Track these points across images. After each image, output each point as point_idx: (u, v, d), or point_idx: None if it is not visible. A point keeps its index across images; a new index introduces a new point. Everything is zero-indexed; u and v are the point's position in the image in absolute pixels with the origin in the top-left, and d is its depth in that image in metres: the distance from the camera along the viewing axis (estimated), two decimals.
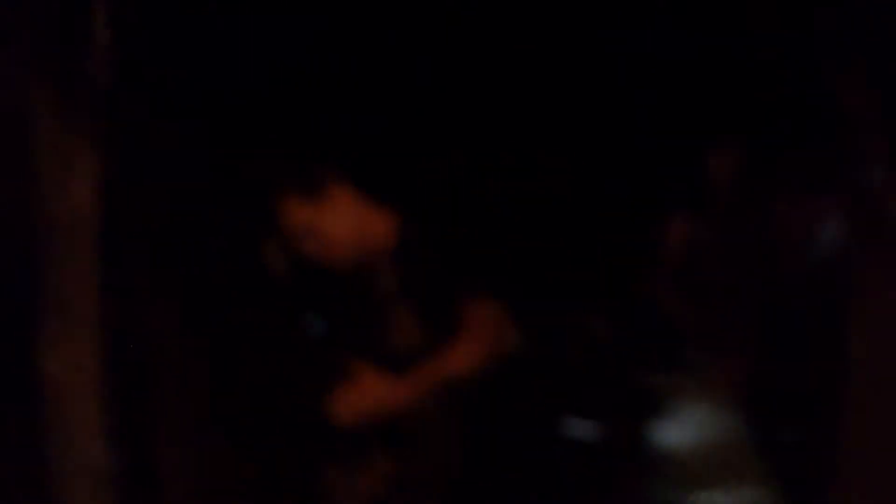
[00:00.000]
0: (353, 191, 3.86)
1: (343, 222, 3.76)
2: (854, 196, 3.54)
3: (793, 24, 4.14)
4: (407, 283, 3.70)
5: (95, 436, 4.77)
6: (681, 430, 5.38)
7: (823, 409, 3.88)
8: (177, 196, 4.49)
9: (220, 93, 4.39)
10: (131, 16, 4.39)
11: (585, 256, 4.77)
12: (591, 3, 4.70)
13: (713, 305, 4.51)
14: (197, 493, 4.42)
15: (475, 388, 3.72)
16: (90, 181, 4.95)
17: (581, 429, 4.57)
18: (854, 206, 3.58)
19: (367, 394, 3.51)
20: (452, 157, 4.19)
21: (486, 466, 3.66)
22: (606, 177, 5.08)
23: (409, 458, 3.63)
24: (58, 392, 4.79)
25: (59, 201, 5.01)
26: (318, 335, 3.72)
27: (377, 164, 3.96)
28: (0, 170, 4.97)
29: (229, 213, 4.28)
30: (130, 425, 4.70)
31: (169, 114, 4.48)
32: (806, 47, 3.94)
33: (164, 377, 4.55)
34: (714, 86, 4.90)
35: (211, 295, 4.36)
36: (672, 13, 4.77)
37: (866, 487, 3.51)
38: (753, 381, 4.73)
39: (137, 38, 4.39)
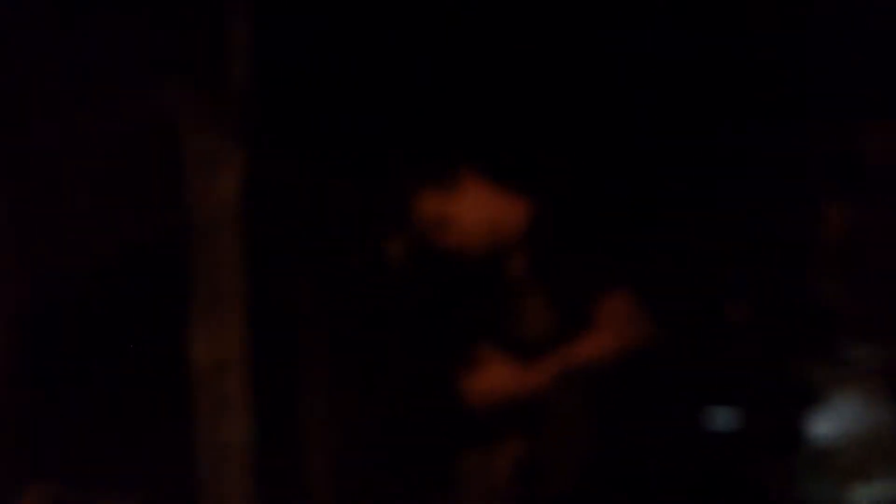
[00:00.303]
0: (485, 180, 3.82)
1: (475, 212, 3.73)
2: None
3: None
4: (539, 271, 3.64)
5: (241, 416, 4.94)
6: (836, 422, 5.18)
7: None
8: (314, 189, 4.57)
9: (353, 87, 4.45)
10: (269, 19, 4.50)
11: (738, 242, 4.61)
12: None
13: (871, 293, 4.31)
14: (337, 475, 4.50)
15: (613, 376, 3.65)
16: (235, 179, 5.12)
17: (727, 421, 4.43)
18: None
19: (497, 380, 3.48)
20: (586, 145, 4.13)
21: (622, 457, 3.58)
22: (759, 162, 4.91)
23: (541, 444, 3.59)
24: (207, 375, 4.98)
25: (207, 199, 5.20)
26: (451, 323, 3.71)
27: (510, 152, 3.92)
28: (152, 172, 5.20)
29: (365, 205, 4.32)
30: (275, 407, 4.82)
31: (305, 111, 4.57)
32: None
33: (308, 362, 4.65)
34: (866, 65, 4.68)
35: (348, 283, 4.43)
36: None
37: None
38: None
39: (275, 40, 4.49)
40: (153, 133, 4.99)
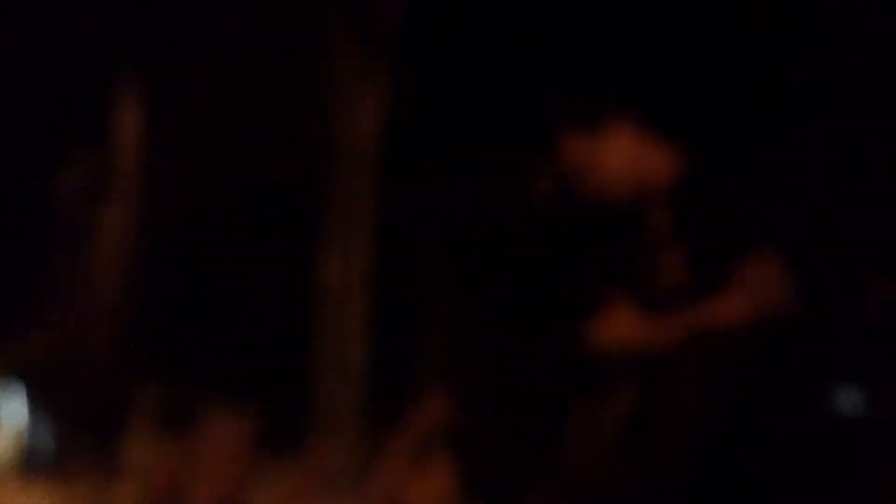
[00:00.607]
0: (634, 127, 3.80)
1: (621, 159, 3.71)
2: None
3: None
4: (682, 226, 3.62)
5: (361, 341, 5.04)
6: None
7: None
8: (454, 123, 4.56)
9: (505, 24, 4.40)
10: None
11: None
12: None
13: None
14: (451, 411, 4.54)
15: (743, 344, 3.62)
16: (378, 111, 5.19)
17: (854, 406, 4.30)
18: None
19: (626, 328, 3.49)
20: (744, 100, 4.02)
21: (737, 429, 3.55)
22: None
23: (656, 401, 3.58)
24: (331, 300, 5.08)
25: (348, 126, 5.29)
26: (586, 268, 3.73)
27: (665, 101, 3.87)
28: (295, 94, 5.29)
29: (506, 144, 4.31)
30: (395, 337, 4.88)
31: (455, 46, 4.55)
32: None
33: (432, 295, 4.69)
34: None
35: (478, 223, 4.43)
36: None
37: None
38: None
39: None
40: (302, 63, 5.07)
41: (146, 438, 5.87)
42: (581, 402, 3.74)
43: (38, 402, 6.49)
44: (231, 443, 5.54)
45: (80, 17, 5.51)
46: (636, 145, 3.56)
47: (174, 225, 5.51)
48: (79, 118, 5.60)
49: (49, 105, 5.62)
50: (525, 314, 4.10)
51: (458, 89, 4.70)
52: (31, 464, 6.65)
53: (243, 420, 5.40)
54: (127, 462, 5.91)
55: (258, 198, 5.29)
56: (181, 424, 5.62)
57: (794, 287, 3.59)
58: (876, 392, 4.06)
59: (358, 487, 4.92)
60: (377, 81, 4.93)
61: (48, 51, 5.55)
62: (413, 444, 4.61)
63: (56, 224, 5.85)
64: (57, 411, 6.37)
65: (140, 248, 5.62)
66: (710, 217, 3.46)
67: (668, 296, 3.55)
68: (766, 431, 3.60)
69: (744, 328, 3.50)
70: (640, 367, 3.56)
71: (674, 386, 3.53)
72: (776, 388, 3.69)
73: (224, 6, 5.36)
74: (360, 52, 4.86)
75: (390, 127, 5.00)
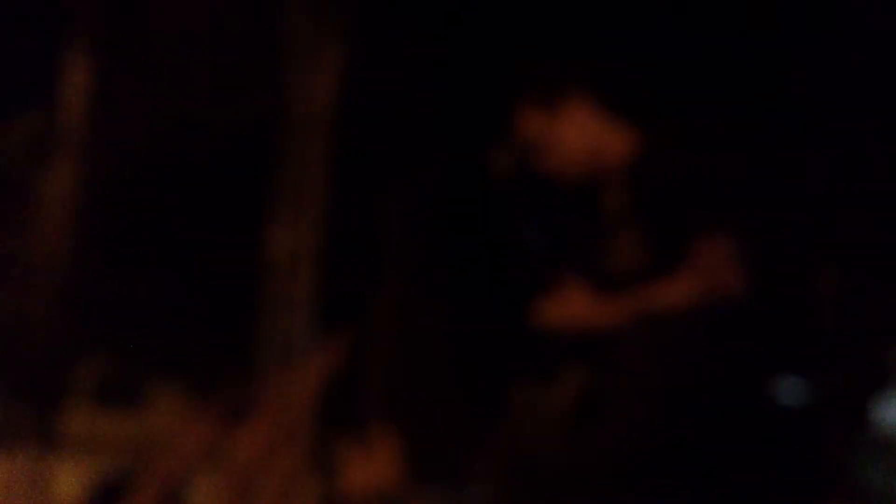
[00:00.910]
0: (592, 103, 3.66)
1: (578, 136, 3.56)
2: None
3: None
4: (636, 204, 3.49)
5: (307, 314, 4.90)
6: None
7: None
8: (413, 93, 4.46)
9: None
10: None
11: (845, 204, 4.41)
12: None
13: None
14: (397, 386, 4.44)
15: (692, 326, 3.49)
16: (334, 74, 5.06)
17: (797, 393, 4.26)
18: None
19: (575, 307, 3.34)
20: (699, 79, 3.97)
21: (684, 413, 3.42)
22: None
23: (605, 382, 3.45)
24: (276, 273, 4.94)
25: (302, 93, 5.16)
26: (539, 245, 3.60)
27: (622, 79, 3.78)
28: (249, 61, 5.14)
29: (463, 117, 4.22)
30: (339, 309, 4.76)
31: (409, 11, 4.44)
32: None
33: (381, 267, 4.58)
34: None
35: (436, 193, 4.33)
36: None
37: None
38: None
39: None
40: (258, 22, 4.93)
41: (87, 411, 5.74)
42: (529, 383, 3.61)
43: None
44: (175, 415, 5.42)
45: None
46: (594, 123, 3.41)
47: (120, 187, 5.34)
48: (24, 73, 5.42)
49: None
50: (476, 291, 3.99)
51: (416, 59, 4.59)
52: None
53: (187, 393, 5.28)
54: (68, 435, 5.76)
55: (207, 162, 5.14)
56: (123, 397, 5.49)
57: (747, 272, 3.45)
58: (820, 383, 3.98)
59: (302, 464, 4.80)
60: (334, 44, 4.79)
61: None
62: (358, 421, 4.48)
63: None
64: None
65: (84, 212, 5.45)
66: (665, 198, 3.32)
67: (621, 276, 3.41)
68: (711, 418, 3.47)
69: (694, 311, 3.37)
70: (590, 347, 3.42)
71: (621, 368, 3.39)
72: (723, 374, 3.56)
73: None
74: (319, 11, 4.72)
75: (345, 93, 4.87)
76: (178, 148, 5.17)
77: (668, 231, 3.53)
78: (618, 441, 3.37)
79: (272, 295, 4.89)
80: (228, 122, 5.06)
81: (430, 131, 4.43)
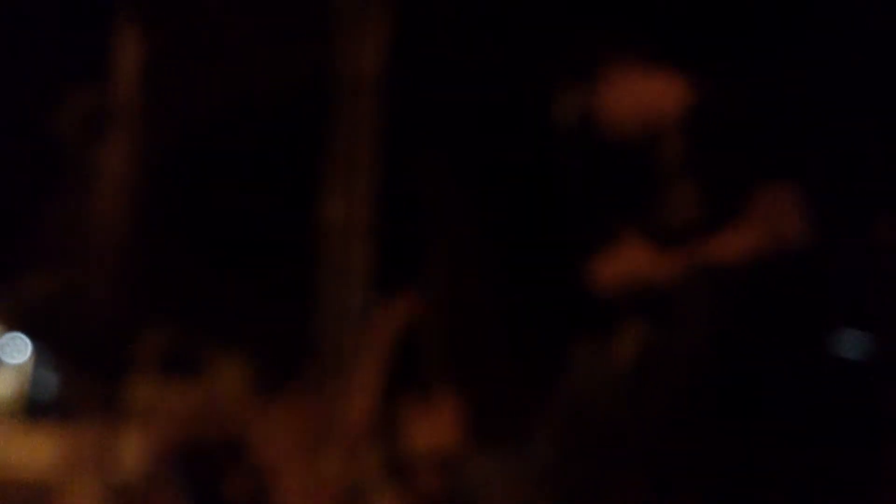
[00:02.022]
0: (643, 61, 3.62)
1: (625, 100, 3.55)
2: None
3: None
4: (694, 157, 3.44)
5: (363, 280, 4.90)
6: None
7: None
8: (458, 60, 4.41)
9: None
10: None
11: None
12: None
13: None
14: (453, 348, 4.42)
15: (751, 279, 3.43)
16: (380, 43, 5.03)
17: (857, 347, 4.19)
18: None
19: (634, 263, 3.32)
20: (759, 34, 3.86)
21: (741, 368, 3.38)
22: None
23: (663, 335, 3.41)
24: (331, 241, 4.93)
25: (351, 60, 5.13)
26: (597, 201, 3.56)
27: (675, 33, 3.70)
28: (299, 29, 5.12)
29: (511, 83, 4.15)
30: (395, 276, 4.74)
31: None
32: None
33: (435, 231, 4.55)
34: None
35: (489, 151, 4.29)
36: None
37: None
38: None
39: None
40: None
41: (150, 382, 5.78)
42: (588, 342, 3.58)
43: (40, 346, 6.39)
44: (236, 386, 5.45)
45: None
46: (645, 81, 3.37)
47: (175, 160, 5.35)
48: (78, 51, 5.44)
49: (47, 38, 5.47)
50: (533, 249, 3.95)
51: (469, 23, 4.53)
52: (34, 409, 6.57)
53: (247, 362, 5.30)
54: (131, 406, 5.81)
55: (261, 134, 5.14)
56: (185, 368, 5.53)
57: (808, 222, 3.38)
58: (880, 336, 3.90)
59: (366, 429, 4.81)
60: (382, 12, 4.76)
61: None
62: (420, 384, 4.47)
63: (55, 163, 5.71)
64: (60, 356, 6.27)
65: (141, 186, 5.47)
66: (721, 147, 3.27)
67: (679, 229, 3.36)
68: (770, 370, 3.42)
69: (754, 263, 3.31)
70: (648, 303, 3.39)
71: (678, 323, 3.35)
72: (783, 326, 3.51)
73: None
74: None
75: (396, 62, 4.84)
76: (230, 119, 5.17)
77: (725, 181, 3.48)
78: (675, 395, 3.34)
79: (328, 263, 4.89)
80: (279, 92, 5.05)
81: (479, 96, 4.39)
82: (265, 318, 5.21)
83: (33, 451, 6.14)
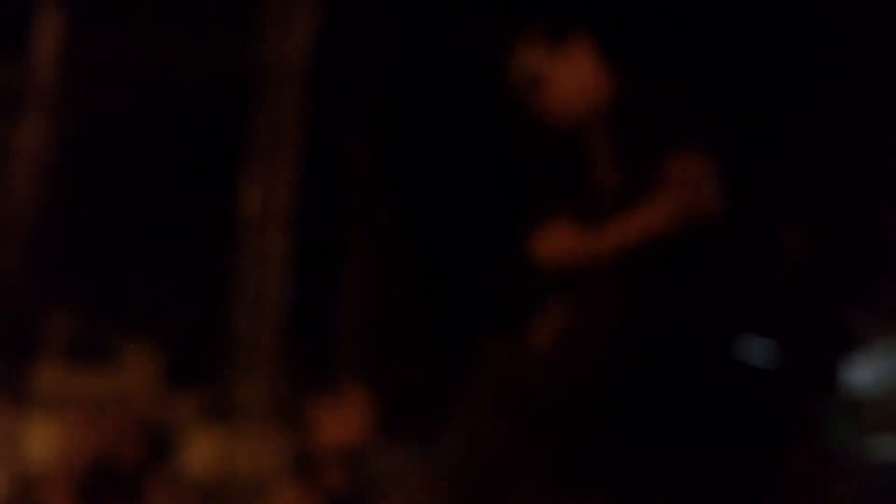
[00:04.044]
0: (590, 47, 3.57)
1: (575, 72, 3.49)
2: None
3: None
4: (615, 137, 3.37)
5: (279, 270, 4.74)
6: (872, 372, 4.93)
7: None
8: (383, 50, 4.29)
9: None
10: None
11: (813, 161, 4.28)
12: None
13: None
14: (368, 338, 4.30)
15: (658, 265, 3.33)
16: (307, 30, 4.89)
17: (764, 353, 4.14)
18: None
19: (560, 242, 3.23)
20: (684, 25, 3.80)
21: (647, 347, 3.28)
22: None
23: (581, 311, 3.30)
24: (251, 228, 4.77)
25: (278, 48, 4.98)
26: (527, 179, 3.47)
27: (616, 23, 3.66)
28: (224, 15, 4.96)
29: (464, 53, 4.02)
30: (311, 263, 4.60)
31: None
32: None
33: (353, 221, 4.43)
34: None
35: (411, 141, 4.17)
36: None
37: None
38: None
39: None
40: None
41: (58, 369, 5.57)
42: (501, 332, 3.47)
43: None
44: (145, 374, 5.27)
45: None
46: (589, 64, 3.29)
47: (92, 142, 5.14)
48: None
49: None
50: (450, 242, 3.85)
51: (394, 14, 4.41)
52: None
53: (157, 351, 5.14)
54: (39, 392, 5.59)
55: (182, 121, 4.96)
56: (94, 354, 5.34)
57: (720, 191, 3.28)
58: (788, 345, 3.86)
59: (273, 420, 4.67)
60: (309, 2, 4.61)
61: None
62: (330, 377, 4.32)
63: None
64: None
65: (56, 169, 5.25)
66: (641, 129, 3.18)
67: (602, 208, 3.26)
68: (676, 365, 3.32)
69: (673, 231, 3.20)
70: (571, 283, 3.28)
71: (594, 303, 3.25)
72: (691, 327, 3.42)
73: None
74: None
75: (321, 52, 4.70)
76: (150, 103, 4.98)
77: (644, 161, 3.39)
78: (583, 389, 3.22)
79: (244, 251, 4.72)
80: (201, 79, 4.88)
81: (403, 86, 4.27)
82: (179, 307, 5.03)
83: None
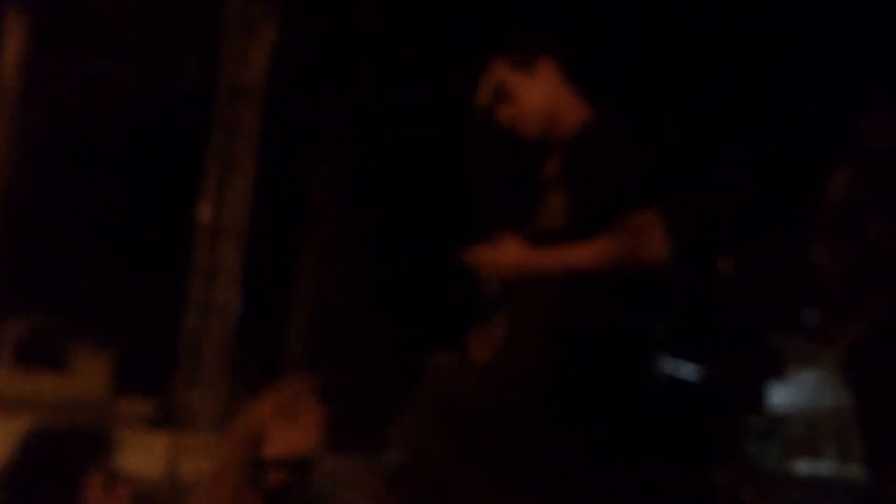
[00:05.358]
0: (558, 72, 3.69)
1: (543, 94, 3.60)
2: None
3: None
4: (572, 172, 3.47)
5: (231, 281, 4.76)
6: (794, 394, 5.08)
7: None
8: (340, 68, 4.34)
9: None
10: None
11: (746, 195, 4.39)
12: None
13: (861, 264, 4.15)
14: (317, 351, 4.34)
15: (592, 285, 3.44)
16: (266, 50, 4.94)
17: (690, 371, 4.27)
18: None
19: (504, 255, 3.32)
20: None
21: (584, 363, 3.38)
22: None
23: (519, 322, 3.40)
24: (208, 237, 4.79)
25: (240, 68, 5.02)
26: (486, 196, 3.55)
27: (587, 56, 3.77)
28: (190, 38, 5.00)
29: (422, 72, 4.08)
30: (270, 272, 4.64)
31: None
32: None
33: (315, 231, 4.46)
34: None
35: (366, 155, 4.22)
36: None
37: None
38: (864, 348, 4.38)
39: None
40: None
41: (11, 370, 5.53)
42: (449, 340, 3.55)
43: None
44: (96, 379, 5.24)
45: None
46: (557, 89, 3.39)
47: (54, 150, 5.14)
48: None
49: None
50: (403, 253, 3.90)
51: (351, 33, 4.47)
52: None
53: (108, 357, 5.11)
54: None
55: (142, 132, 4.98)
56: (47, 358, 5.29)
57: (665, 245, 3.42)
58: (717, 368, 3.99)
59: (222, 429, 4.68)
60: (267, 18, 4.66)
61: None
62: (280, 389, 4.35)
63: None
64: None
65: (16, 173, 5.24)
66: (597, 170, 3.28)
67: (548, 232, 3.36)
68: (605, 379, 3.41)
69: (608, 272, 3.30)
70: (510, 297, 3.36)
71: (526, 315, 3.33)
72: (621, 341, 3.53)
73: None
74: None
75: (277, 67, 4.75)
76: (112, 114, 5.00)
77: (595, 199, 3.50)
78: (524, 386, 3.31)
79: (199, 262, 4.75)
80: (164, 93, 4.91)
81: (359, 103, 4.34)
82: (132, 312, 5.04)
83: None
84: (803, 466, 5.11)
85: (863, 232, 4.12)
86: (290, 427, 3.93)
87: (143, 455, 5.42)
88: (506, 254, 3.28)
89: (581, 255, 3.21)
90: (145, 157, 4.97)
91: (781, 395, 5.01)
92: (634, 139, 3.42)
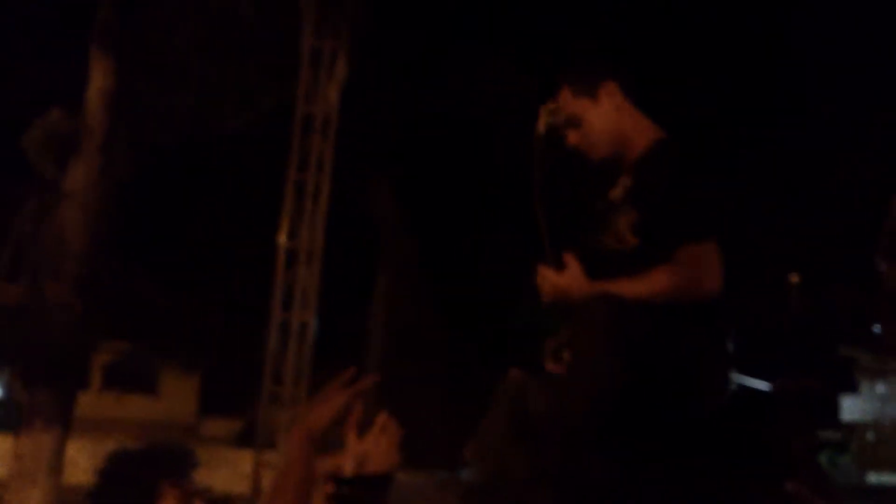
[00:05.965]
0: (624, 97, 3.72)
1: (605, 119, 3.63)
2: None
3: None
4: (637, 195, 3.49)
5: (309, 303, 4.89)
6: (867, 407, 5.06)
7: None
8: (407, 99, 4.45)
9: None
10: None
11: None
12: None
13: None
14: (392, 369, 4.42)
15: (651, 312, 3.46)
16: (338, 84, 5.07)
17: (765, 384, 4.26)
18: None
19: (566, 282, 3.36)
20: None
21: (648, 393, 3.40)
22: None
23: (583, 341, 3.44)
24: (286, 262, 4.92)
25: (315, 103, 5.16)
26: (547, 220, 3.59)
27: (654, 80, 3.79)
28: (268, 73, 5.15)
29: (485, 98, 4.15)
30: (347, 295, 4.73)
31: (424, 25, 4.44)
32: None
33: (387, 255, 4.55)
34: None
35: (434, 182, 4.30)
36: None
37: None
38: None
39: None
40: (274, 31, 4.93)
41: (103, 395, 5.70)
42: (520, 361, 3.60)
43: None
44: (183, 400, 5.40)
45: None
46: (623, 114, 3.43)
47: (138, 184, 5.31)
48: (48, 76, 5.39)
49: (23, 64, 5.40)
50: (471, 275, 3.97)
51: (417, 64, 4.58)
52: None
53: (195, 379, 5.26)
54: (82, 417, 5.70)
55: (223, 164, 5.12)
56: (136, 382, 5.45)
57: (722, 280, 3.44)
58: (783, 375, 3.97)
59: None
60: (340, 54, 4.79)
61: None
62: (358, 407, 4.45)
63: (25, 183, 5.63)
64: (18, 364, 6.15)
65: (105, 207, 5.42)
66: (662, 195, 3.31)
67: (610, 256, 3.39)
68: (675, 403, 3.43)
69: (662, 304, 3.32)
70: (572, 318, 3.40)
71: (586, 338, 3.36)
72: (686, 362, 3.54)
73: None
74: (328, 32, 4.72)
75: (350, 102, 4.87)
76: (193, 148, 5.15)
77: (662, 222, 3.52)
78: (591, 403, 3.33)
79: (280, 286, 4.87)
80: (242, 125, 5.05)
81: (426, 131, 4.43)
82: (217, 337, 5.17)
83: None
84: (876, 478, 5.07)
85: None
86: (368, 444, 4.02)
87: (228, 472, 5.56)
88: (568, 282, 3.32)
89: (639, 287, 3.22)
90: (227, 187, 5.12)
91: (854, 408, 4.98)
92: (700, 163, 3.45)
